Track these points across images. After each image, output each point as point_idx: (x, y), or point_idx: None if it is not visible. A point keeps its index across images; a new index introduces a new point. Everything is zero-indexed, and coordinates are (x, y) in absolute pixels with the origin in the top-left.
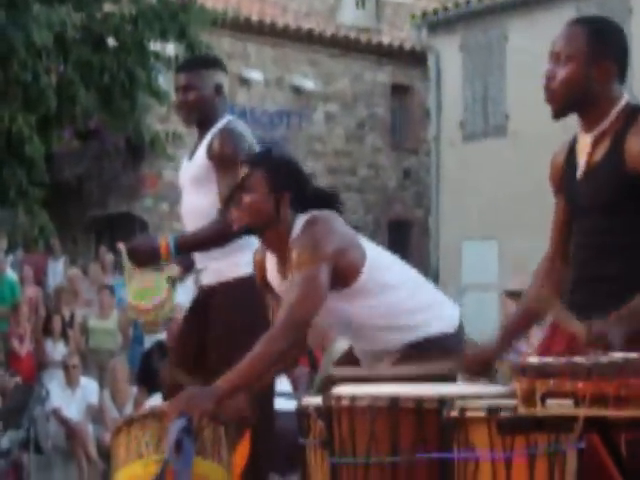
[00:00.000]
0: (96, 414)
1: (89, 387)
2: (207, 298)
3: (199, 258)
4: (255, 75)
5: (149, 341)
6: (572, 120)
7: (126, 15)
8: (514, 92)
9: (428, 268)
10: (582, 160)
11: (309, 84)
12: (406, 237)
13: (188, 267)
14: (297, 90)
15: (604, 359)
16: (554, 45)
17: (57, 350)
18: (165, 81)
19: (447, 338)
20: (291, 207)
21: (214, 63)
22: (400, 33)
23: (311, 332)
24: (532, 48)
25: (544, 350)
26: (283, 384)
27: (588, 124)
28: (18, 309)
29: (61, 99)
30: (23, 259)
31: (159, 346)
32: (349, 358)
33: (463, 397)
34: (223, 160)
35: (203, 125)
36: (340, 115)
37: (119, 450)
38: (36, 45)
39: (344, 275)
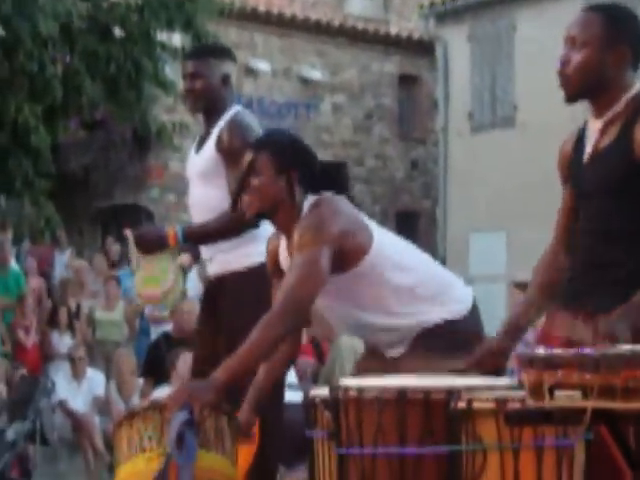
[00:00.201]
0: (102, 406)
1: (95, 379)
2: (216, 288)
3: (205, 249)
4: (262, 65)
5: (155, 332)
6: (580, 111)
7: (132, 5)
8: (522, 82)
9: (435, 259)
10: (590, 145)
11: (316, 74)
12: (413, 228)
13: (197, 256)
14: (304, 80)
15: (612, 351)
16: (569, 30)
17: (63, 342)
18: (171, 71)
19: (461, 320)
20: (300, 186)
21: (223, 52)
22: (408, 23)
23: (318, 324)
24: (541, 38)
25: (544, 337)
26: (289, 375)
27: (599, 110)
28: (24, 300)
29: (67, 89)
30: (29, 251)
31: (165, 337)
32: (370, 352)
33: (471, 389)
34: (232, 153)
35: (210, 115)
36: (347, 105)
37: (121, 444)
38: (42, 35)
39: (350, 257)
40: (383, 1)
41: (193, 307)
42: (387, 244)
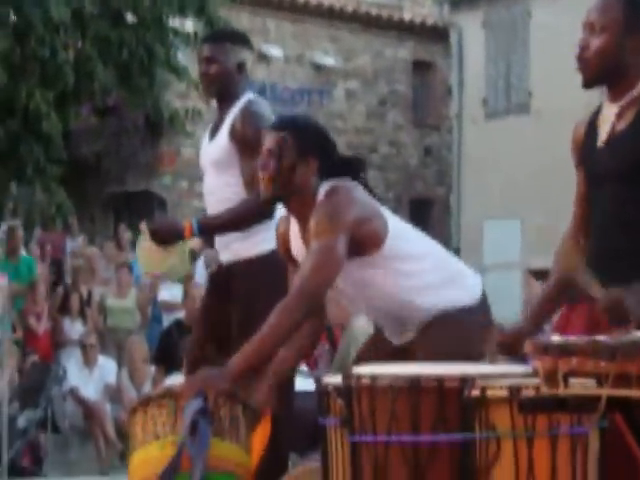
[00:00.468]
0: (114, 393)
1: (107, 366)
2: (228, 275)
3: (219, 237)
4: (275, 51)
5: (167, 320)
6: (595, 98)
7: None
8: (537, 69)
9: (449, 247)
10: (605, 129)
11: (329, 60)
12: (427, 215)
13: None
14: (317, 67)
15: (627, 338)
16: (588, 16)
17: (75, 329)
18: (184, 57)
19: (470, 308)
20: (317, 173)
21: (240, 39)
22: (422, 9)
23: (333, 308)
24: (556, 25)
25: (563, 324)
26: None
27: (615, 95)
28: (35, 287)
29: (79, 75)
30: (41, 237)
31: (177, 325)
32: (375, 339)
33: (485, 376)
34: (246, 143)
35: (223, 101)
36: (361, 92)
37: (136, 430)
38: (54, 21)
39: (365, 244)
40: None
41: None
42: (400, 231)
